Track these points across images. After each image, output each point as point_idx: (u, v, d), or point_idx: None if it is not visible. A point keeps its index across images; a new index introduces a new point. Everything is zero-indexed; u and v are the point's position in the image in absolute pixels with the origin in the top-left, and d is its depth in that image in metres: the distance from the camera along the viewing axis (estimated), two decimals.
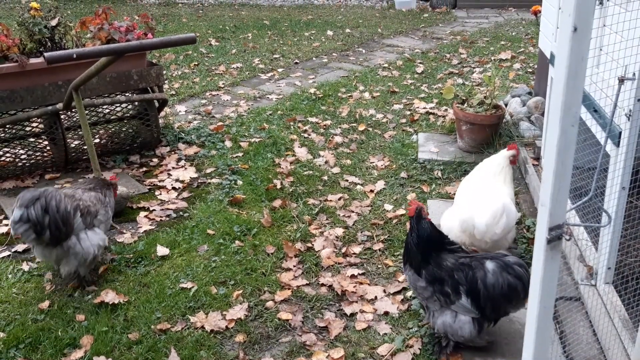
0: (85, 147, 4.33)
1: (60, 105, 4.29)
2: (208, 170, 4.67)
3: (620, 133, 2.62)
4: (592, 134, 3.09)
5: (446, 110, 5.88)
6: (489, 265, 2.68)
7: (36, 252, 3.23)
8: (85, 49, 3.47)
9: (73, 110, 4.42)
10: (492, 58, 7.89)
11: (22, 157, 4.53)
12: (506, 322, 2.95)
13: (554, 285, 1.74)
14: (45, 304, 3.14)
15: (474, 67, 7.55)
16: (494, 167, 3.46)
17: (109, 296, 3.16)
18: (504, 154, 3.49)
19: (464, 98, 5.02)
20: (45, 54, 3.30)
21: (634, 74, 2.47)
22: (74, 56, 3.28)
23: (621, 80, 2.41)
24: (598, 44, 3.02)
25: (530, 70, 7.21)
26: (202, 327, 2.98)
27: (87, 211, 3.24)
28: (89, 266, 3.26)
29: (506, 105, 5.59)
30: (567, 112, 1.46)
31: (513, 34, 9.41)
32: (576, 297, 3.00)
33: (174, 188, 4.39)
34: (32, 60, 4.22)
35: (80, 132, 4.60)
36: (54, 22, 4.49)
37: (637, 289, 2.59)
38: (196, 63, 7.88)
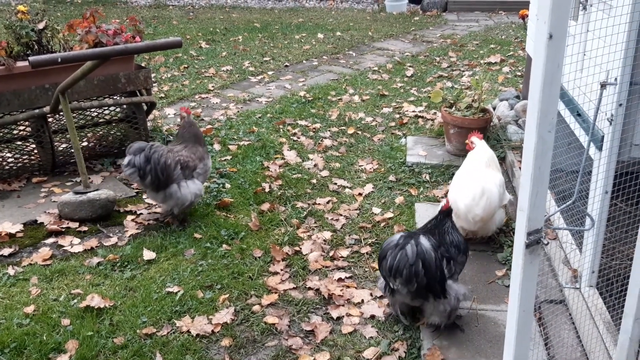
0: (72, 150, 4.32)
1: (47, 109, 4.27)
2: None
3: (602, 137, 2.64)
4: (576, 138, 3.12)
5: (435, 113, 5.91)
6: (398, 237, 2.82)
7: (147, 195, 4.04)
8: (70, 53, 3.46)
9: (60, 113, 4.40)
10: (482, 61, 7.94)
11: (9, 160, 4.50)
12: (491, 325, 2.96)
13: (533, 289, 1.76)
14: (30, 308, 3.12)
15: (463, 71, 7.59)
16: (484, 158, 3.67)
17: (95, 300, 3.15)
18: (478, 142, 3.73)
19: (452, 102, 5.04)
20: (30, 58, 3.29)
21: (615, 79, 2.50)
22: (59, 60, 3.28)
23: (603, 85, 2.44)
24: (582, 49, 3.05)
25: (519, 73, 7.26)
26: (188, 331, 2.97)
27: (186, 165, 3.84)
28: (184, 209, 3.90)
29: (494, 108, 5.62)
30: (544, 119, 1.48)
31: (503, 37, 9.47)
32: (560, 300, 3.02)
33: None
34: (19, 64, 4.19)
35: (67, 136, 4.58)
36: (41, 26, 4.48)
37: (620, 292, 2.61)
38: (186, 66, 7.87)
